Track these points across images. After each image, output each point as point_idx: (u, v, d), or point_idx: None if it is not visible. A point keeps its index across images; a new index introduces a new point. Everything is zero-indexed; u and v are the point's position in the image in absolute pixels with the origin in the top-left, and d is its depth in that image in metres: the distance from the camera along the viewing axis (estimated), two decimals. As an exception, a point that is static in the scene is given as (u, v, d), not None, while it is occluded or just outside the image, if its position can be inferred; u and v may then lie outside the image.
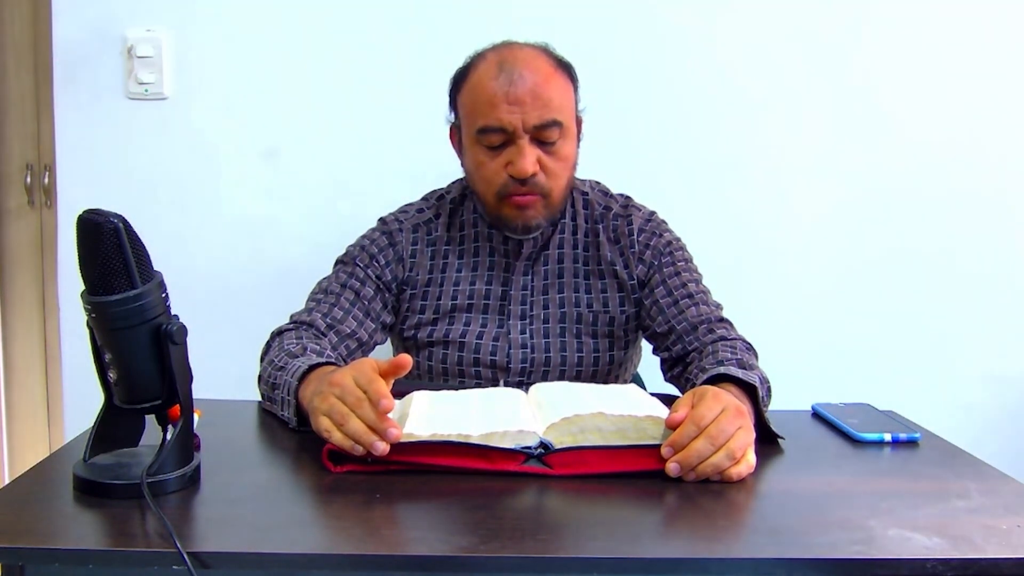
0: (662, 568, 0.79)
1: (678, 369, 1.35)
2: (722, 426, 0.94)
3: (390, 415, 0.94)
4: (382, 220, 1.45)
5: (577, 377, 1.39)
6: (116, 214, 0.82)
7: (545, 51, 1.34)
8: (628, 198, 1.47)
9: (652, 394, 1.16)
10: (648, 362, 1.51)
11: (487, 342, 1.38)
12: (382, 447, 0.92)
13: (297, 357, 1.17)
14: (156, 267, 0.87)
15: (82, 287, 0.85)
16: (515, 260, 1.40)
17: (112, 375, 0.88)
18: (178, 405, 0.90)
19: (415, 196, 1.49)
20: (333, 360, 1.18)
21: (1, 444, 2.30)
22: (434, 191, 1.49)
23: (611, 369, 1.42)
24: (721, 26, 1.79)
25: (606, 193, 1.47)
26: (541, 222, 1.35)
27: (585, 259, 1.42)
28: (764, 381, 1.18)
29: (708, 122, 1.82)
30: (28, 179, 2.21)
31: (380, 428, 0.93)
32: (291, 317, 1.34)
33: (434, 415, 1.03)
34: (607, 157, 1.56)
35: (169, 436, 0.90)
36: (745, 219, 1.84)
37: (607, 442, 0.96)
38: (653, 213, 1.46)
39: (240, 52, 1.78)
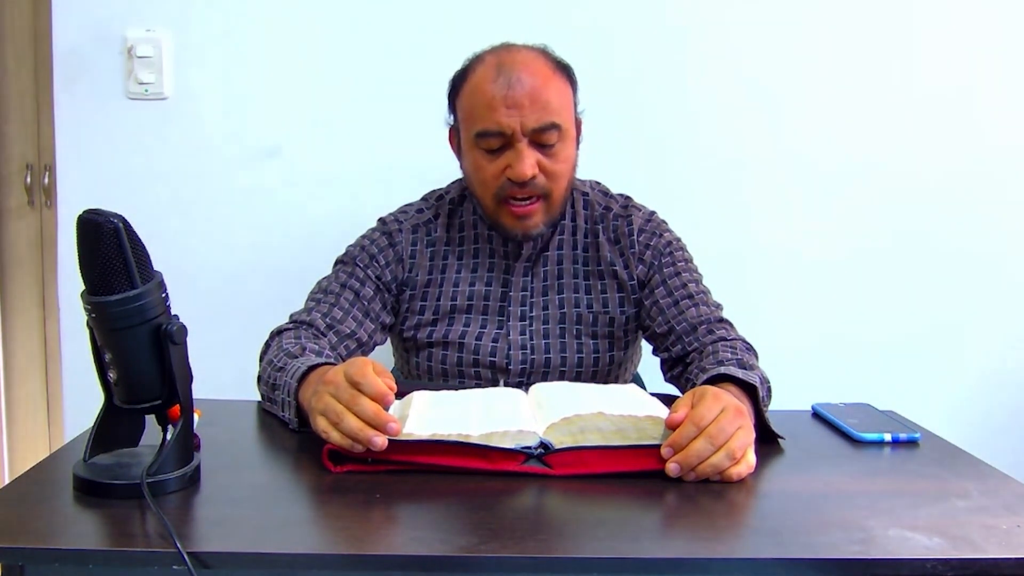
0: (662, 568, 0.79)
1: (678, 369, 1.35)
2: (722, 426, 0.94)
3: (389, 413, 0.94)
4: (382, 220, 1.45)
5: (577, 378, 1.39)
6: (116, 214, 0.82)
7: (544, 53, 1.34)
8: (628, 198, 1.47)
9: (652, 394, 1.16)
10: (648, 362, 1.51)
11: (487, 343, 1.38)
12: (380, 441, 0.92)
13: (296, 358, 1.17)
14: (156, 267, 0.87)
15: (82, 287, 0.85)
16: (515, 261, 1.40)
17: (112, 375, 0.88)
18: (178, 405, 0.90)
19: (415, 196, 1.49)
20: (332, 360, 1.18)
21: (1, 444, 2.30)
22: (433, 191, 1.49)
23: (611, 370, 1.42)
24: (722, 26, 1.79)
25: (606, 193, 1.47)
26: (542, 228, 1.35)
27: (585, 260, 1.42)
28: (764, 381, 1.18)
29: (708, 122, 1.82)
30: (28, 179, 2.21)
31: (378, 422, 0.93)
32: (290, 317, 1.34)
33: (434, 415, 1.03)
34: (607, 157, 1.56)
35: (169, 436, 0.90)
36: (745, 219, 1.84)
37: (607, 442, 0.96)
38: (653, 213, 1.46)
39: (240, 52, 1.77)
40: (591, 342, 1.40)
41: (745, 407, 1.01)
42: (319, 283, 1.39)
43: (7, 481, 1.17)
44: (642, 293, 1.41)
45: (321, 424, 0.96)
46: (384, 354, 1.56)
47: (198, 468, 0.92)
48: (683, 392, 1.25)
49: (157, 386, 0.88)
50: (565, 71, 1.34)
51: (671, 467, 0.94)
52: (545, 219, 1.34)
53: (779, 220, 1.84)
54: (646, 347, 1.49)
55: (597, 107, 1.44)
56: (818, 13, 1.79)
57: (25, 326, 2.28)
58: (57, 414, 2.29)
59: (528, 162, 1.28)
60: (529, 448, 0.96)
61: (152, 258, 0.86)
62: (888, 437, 1.12)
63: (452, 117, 1.38)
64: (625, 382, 1.46)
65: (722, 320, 1.35)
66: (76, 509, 0.86)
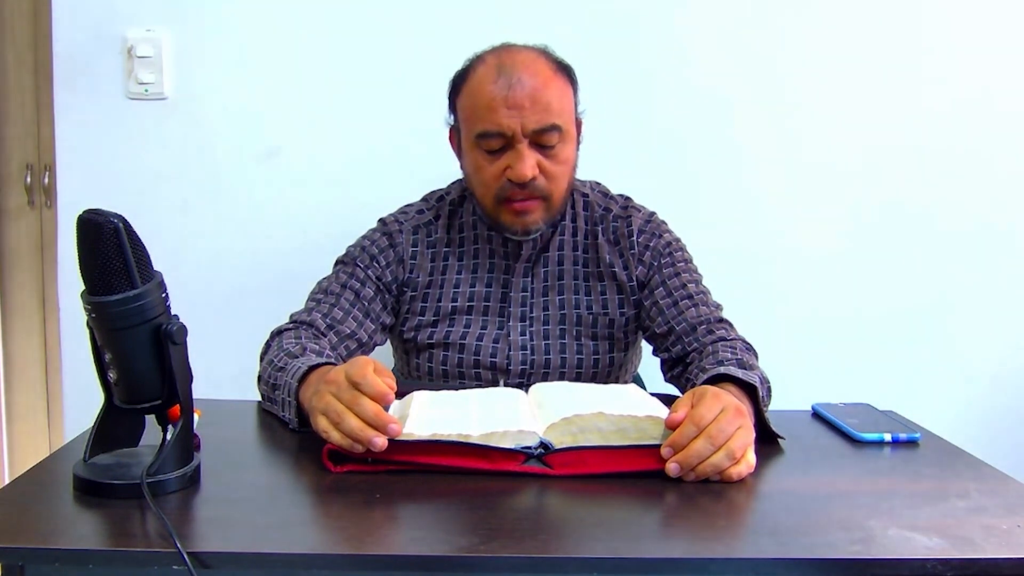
0: (662, 568, 0.79)
1: (678, 369, 1.35)
2: (722, 426, 0.94)
3: (389, 414, 0.94)
4: (382, 221, 1.45)
5: (577, 379, 1.39)
6: (116, 214, 0.82)
7: (544, 53, 1.33)
8: (628, 199, 1.47)
9: (652, 394, 1.16)
10: (648, 362, 1.51)
11: (487, 344, 1.38)
12: (380, 442, 0.92)
13: (297, 357, 1.17)
14: (156, 267, 0.87)
15: (82, 287, 0.85)
16: (515, 262, 1.40)
17: (112, 375, 0.88)
18: (178, 405, 0.90)
19: (415, 196, 1.49)
20: (333, 360, 1.18)
21: (1, 444, 2.30)
22: (433, 192, 1.49)
23: (611, 371, 1.42)
24: (722, 27, 1.79)
25: (606, 194, 1.47)
26: (541, 226, 1.35)
27: (585, 261, 1.42)
28: (764, 381, 1.18)
29: (709, 123, 1.81)
30: (28, 179, 2.21)
31: (378, 423, 0.93)
32: (291, 317, 1.34)
33: (434, 415, 1.03)
34: (607, 158, 1.56)
35: (169, 436, 0.90)
36: (746, 219, 1.84)
37: (607, 442, 0.96)
38: (653, 214, 1.46)
39: (240, 52, 1.77)
40: (591, 343, 1.40)
41: (745, 407, 1.01)
42: (319, 283, 1.39)
43: (7, 481, 1.17)
44: (642, 294, 1.40)
45: (322, 424, 0.96)
46: (384, 355, 1.56)
47: (198, 468, 0.92)
48: (683, 392, 1.25)
49: (157, 386, 0.88)
50: (566, 72, 1.34)
51: (671, 467, 0.94)
52: (545, 218, 1.34)
53: (780, 221, 1.84)
54: (646, 347, 1.49)
55: (598, 108, 1.44)
56: (821, 10, 1.79)
57: (25, 326, 2.28)
58: (57, 414, 2.29)
59: (528, 163, 1.28)
60: (529, 448, 0.96)
61: (152, 258, 0.86)
62: (888, 437, 1.12)
63: (452, 117, 1.38)
64: (625, 383, 1.46)
65: (722, 320, 1.35)
66: (76, 509, 0.86)
